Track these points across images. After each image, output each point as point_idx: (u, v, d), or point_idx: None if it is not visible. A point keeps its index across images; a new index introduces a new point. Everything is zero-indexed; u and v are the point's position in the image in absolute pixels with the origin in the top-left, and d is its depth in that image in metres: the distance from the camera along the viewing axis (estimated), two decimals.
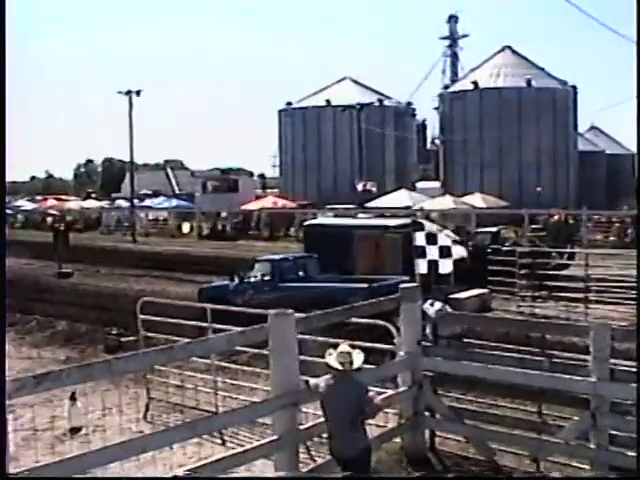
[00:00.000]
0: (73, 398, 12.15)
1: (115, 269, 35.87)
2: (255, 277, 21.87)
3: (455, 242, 20.98)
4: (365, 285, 19.53)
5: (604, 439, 8.43)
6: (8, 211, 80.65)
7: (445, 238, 20.42)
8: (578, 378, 8.56)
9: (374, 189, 61.93)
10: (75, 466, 6.97)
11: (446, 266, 20.12)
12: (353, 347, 8.22)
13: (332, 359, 8.02)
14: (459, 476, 9.53)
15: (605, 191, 74.14)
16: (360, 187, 62.54)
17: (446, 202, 55.13)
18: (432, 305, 10.62)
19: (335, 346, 8.27)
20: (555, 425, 9.35)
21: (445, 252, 19.41)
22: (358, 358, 8.08)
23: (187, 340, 9.27)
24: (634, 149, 55.13)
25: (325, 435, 8.47)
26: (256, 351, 11.25)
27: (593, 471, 8.69)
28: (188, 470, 7.68)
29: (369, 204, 57.28)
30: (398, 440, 10.09)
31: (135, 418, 12.49)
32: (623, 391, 8.38)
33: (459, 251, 20.63)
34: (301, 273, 22.10)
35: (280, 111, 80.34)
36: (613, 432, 8.49)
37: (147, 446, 7.69)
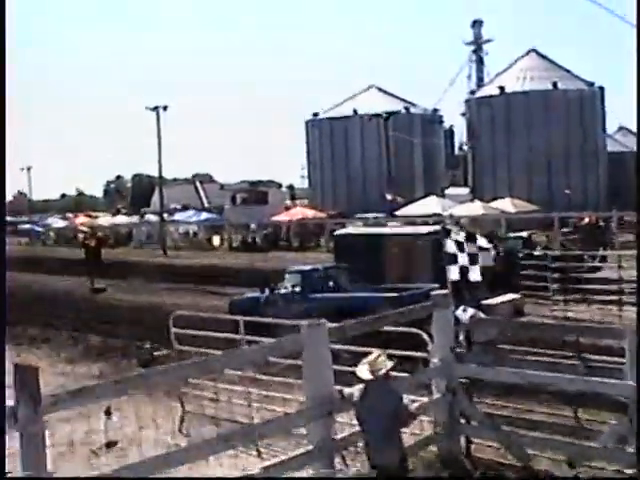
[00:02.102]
0: (108, 412, 12.21)
1: (147, 283, 36.06)
2: (286, 288, 21.89)
3: (482, 249, 20.87)
4: (396, 294, 19.48)
5: None
6: (39, 229, 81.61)
7: (472, 246, 20.34)
8: (614, 381, 8.48)
9: (400, 199, 62.03)
10: None
11: (475, 274, 20.06)
12: (388, 356, 8.17)
13: (363, 370, 7.99)
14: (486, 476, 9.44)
15: (636, 191, 73.40)
16: (390, 197, 62.57)
17: (475, 208, 54.88)
18: (465, 311, 10.58)
19: (366, 356, 8.24)
20: (592, 429, 9.27)
21: (473, 260, 19.38)
22: (386, 363, 8.02)
23: (220, 353, 9.30)
24: None
25: (360, 444, 8.44)
26: (289, 362, 11.24)
27: (633, 476, 8.59)
28: None
29: (398, 212, 57.18)
30: (434, 448, 10.05)
31: (170, 431, 12.52)
32: None
33: (485, 258, 20.52)
34: (331, 283, 22.07)
35: (307, 122, 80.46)
36: None
37: (183, 459, 7.71)
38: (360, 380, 8.00)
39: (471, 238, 21.33)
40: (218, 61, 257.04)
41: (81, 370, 18.35)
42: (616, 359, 9.07)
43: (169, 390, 13.86)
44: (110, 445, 12.11)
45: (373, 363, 7.96)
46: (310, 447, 8.39)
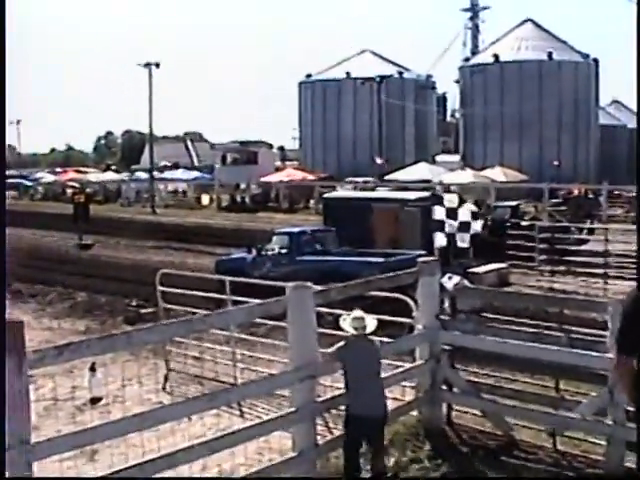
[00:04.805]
0: (93, 369, 12.27)
1: (135, 241, 36.03)
2: (273, 250, 21.91)
3: (475, 216, 20.99)
4: (382, 259, 19.54)
5: (621, 415, 8.43)
6: (28, 183, 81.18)
7: (466, 212, 20.48)
8: (596, 354, 8.55)
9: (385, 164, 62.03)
10: (96, 436, 7.04)
11: (464, 240, 20.19)
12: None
13: (346, 324, 8.12)
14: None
15: (626, 165, 73.57)
16: (380, 161, 62.55)
17: (466, 175, 54.85)
18: (450, 279, 10.60)
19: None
20: (572, 401, 9.35)
21: (464, 227, 19.50)
22: (371, 323, 8.16)
23: (206, 312, 9.33)
24: None
25: (343, 407, 8.51)
26: (274, 323, 11.29)
27: (609, 447, 8.69)
28: (207, 441, 7.74)
29: (388, 177, 57.14)
30: (415, 413, 10.13)
31: (154, 389, 12.59)
32: None
33: (476, 226, 20.69)
34: (319, 246, 22.11)
35: (300, 83, 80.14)
36: (630, 408, 8.47)
37: (166, 417, 7.74)
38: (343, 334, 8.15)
39: (463, 205, 21.51)
40: (211, 20, 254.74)
41: (67, 326, 18.40)
42: (599, 332, 9.12)
43: (154, 348, 13.92)
44: (94, 401, 12.18)
45: (358, 320, 8.09)
46: (293, 409, 8.45)
